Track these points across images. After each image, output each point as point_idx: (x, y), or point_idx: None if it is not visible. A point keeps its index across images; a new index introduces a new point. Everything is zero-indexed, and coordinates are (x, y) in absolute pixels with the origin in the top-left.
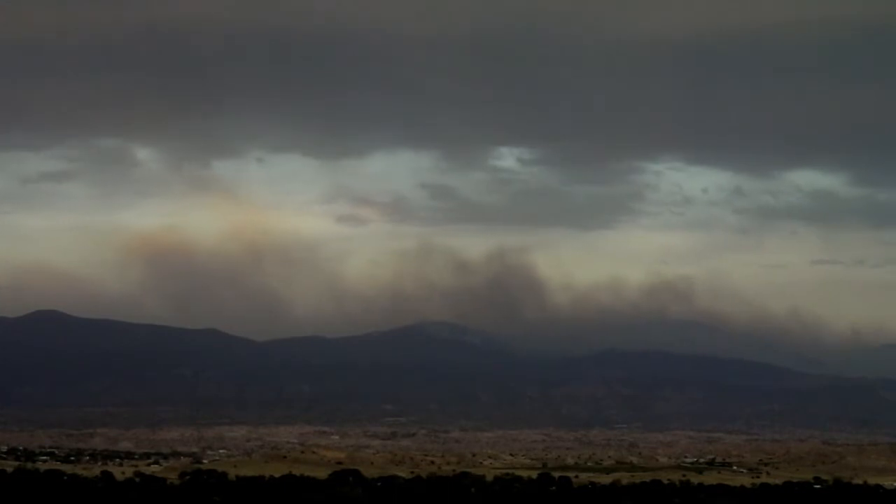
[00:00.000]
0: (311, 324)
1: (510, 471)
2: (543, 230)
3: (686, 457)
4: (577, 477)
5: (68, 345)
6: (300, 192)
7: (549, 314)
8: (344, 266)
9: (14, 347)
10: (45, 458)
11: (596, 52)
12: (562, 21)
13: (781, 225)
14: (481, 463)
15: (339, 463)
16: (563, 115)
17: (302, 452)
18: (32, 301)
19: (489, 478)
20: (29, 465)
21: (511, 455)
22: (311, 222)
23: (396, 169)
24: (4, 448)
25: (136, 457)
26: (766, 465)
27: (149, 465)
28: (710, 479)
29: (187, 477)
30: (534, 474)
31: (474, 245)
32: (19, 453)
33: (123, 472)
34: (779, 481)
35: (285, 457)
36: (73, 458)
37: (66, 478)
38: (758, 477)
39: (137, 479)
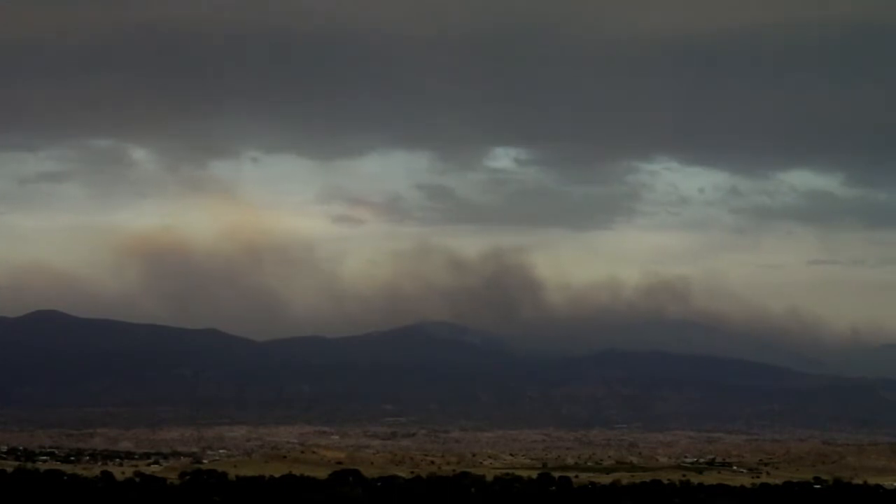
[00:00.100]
0: (310, 324)
1: (510, 471)
2: (540, 230)
3: (686, 457)
4: (577, 477)
5: (68, 345)
6: (296, 193)
7: (546, 314)
8: (342, 266)
9: (14, 347)
10: (45, 458)
11: (592, 53)
12: (558, 21)
13: (777, 225)
14: (481, 463)
15: (339, 463)
16: (559, 116)
17: (302, 452)
18: (32, 301)
19: (489, 478)
20: (29, 465)
21: (511, 455)
22: (307, 222)
23: (392, 169)
24: (4, 448)
25: (136, 457)
26: (766, 465)
27: (149, 465)
28: (710, 479)
29: (187, 477)
30: (534, 474)
31: (471, 245)
32: (19, 453)
33: (123, 472)
34: (779, 481)
35: (285, 457)
36: (73, 458)
37: (66, 478)
38: (758, 477)
39: (137, 479)
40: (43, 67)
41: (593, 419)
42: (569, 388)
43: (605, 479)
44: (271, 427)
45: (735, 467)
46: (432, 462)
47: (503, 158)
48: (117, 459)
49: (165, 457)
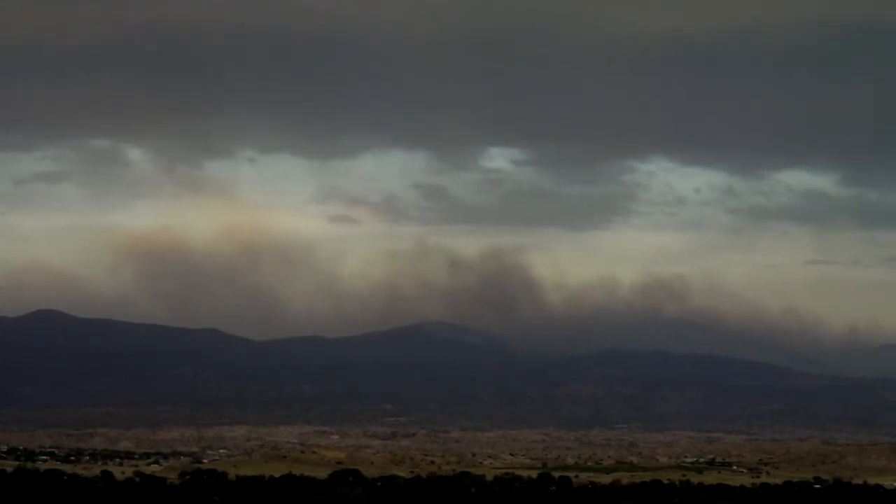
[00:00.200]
0: (310, 324)
1: (510, 471)
2: (536, 230)
3: (686, 457)
4: (577, 477)
5: (68, 345)
6: (292, 193)
7: (545, 313)
8: (341, 266)
9: (14, 347)
10: (45, 457)
11: (588, 53)
12: (555, 21)
13: (773, 225)
14: (481, 463)
15: (339, 463)
16: (555, 116)
17: (302, 452)
18: (32, 301)
19: (489, 478)
20: (29, 464)
21: (511, 455)
22: (304, 222)
23: (388, 169)
24: (4, 448)
25: (136, 457)
26: (766, 465)
27: (149, 464)
28: (710, 479)
29: (187, 477)
30: (534, 474)
31: (468, 245)
32: (19, 453)
33: (123, 472)
34: (779, 481)
35: (285, 457)
36: (73, 458)
37: (66, 478)
38: (758, 477)
39: (137, 479)
40: (40, 67)
41: (593, 419)
42: (569, 388)
43: (605, 479)
44: (271, 427)
45: (735, 467)
46: (432, 462)
47: (499, 158)
48: (117, 459)
49: (165, 457)
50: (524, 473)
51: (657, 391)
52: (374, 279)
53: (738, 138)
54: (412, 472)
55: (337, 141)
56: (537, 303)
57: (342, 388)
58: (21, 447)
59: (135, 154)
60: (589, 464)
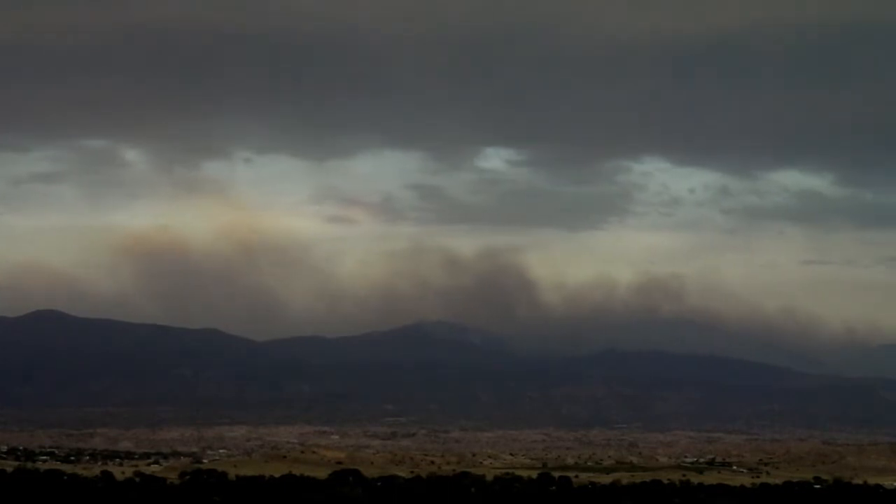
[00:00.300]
0: (310, 324)
1: (510, 471)
2: (532, 230)
3: (686, 457)
4: (577, 477)
5: (68, 345)
6: (289, 193)
7: (542, 313)
8: (339, 266)
9: (14, 347)
10: (45, 458)
11: (583, 54)
12: (549, 22)
13: (769, 225)
14: (481, 463)
15: (339, 463)
16: (550, 117)
17: (302, 452)
18: (32, 301)
19: (489, 478)
20: (29, 465)
21: (511, 455)
22: (302, 223)
23: (384, 170)
24: (4, 448)
25: (136, 457)
26: (766, 465)
27: (149, 464)
28: (710, 479)
29: (187, 477)
30: (534, 474)
31: (465, 245)
32: (19, 453)
33: (123, 472)
34: (779, 481)
35: (285, 457)
36: (73, 458)
37: (66, 478)
38: (758, 477)
39: (137, 479)
40: (36, 68)
41: (593, 419)
42: (569, 388)
43: (605, 479)
44: (271, 427)
45: (735, 467)
46: (432, 462)
47: (495, 159)
48: (117, 459)
49: (165, 457)
50: (524, 473)
51: (657, 391)
52: (372, 279)
53: (732, 138)
54: (412, 472)
55: (333, 141)
56: (535, 303)
57: (342, 388)
58: (21, 447)
59: (131, 155)
60: (589, 464)
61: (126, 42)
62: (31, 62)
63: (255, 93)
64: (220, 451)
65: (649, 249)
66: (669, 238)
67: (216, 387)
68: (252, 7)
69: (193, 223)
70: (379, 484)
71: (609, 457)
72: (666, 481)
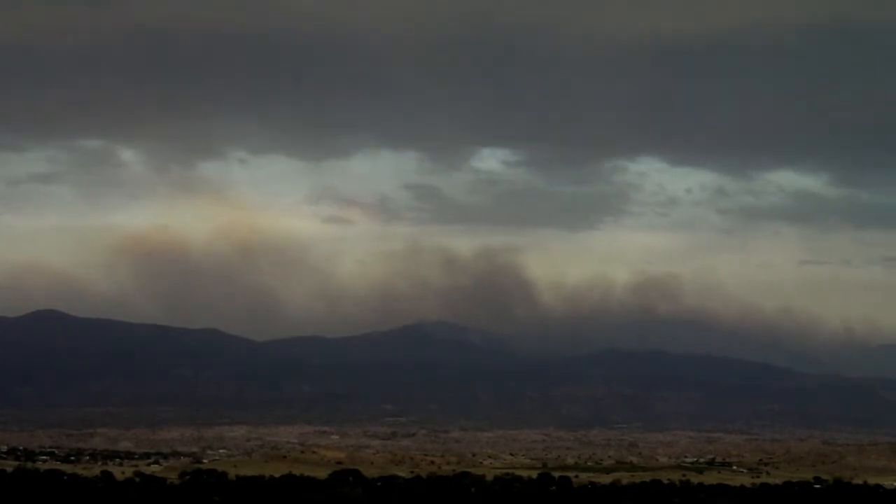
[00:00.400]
0: (310, 324)
1: (510, 471)
2: (529, 231)
3: (686, 457)
4: (577, 477)
5: (68, 345)
6: (286, 193)
7: (540, 313)
8: (338, 266)
9: (14, 347)
10: (45, 457)
11: (579, 54)
12: (546, 23)
13: (765, 225)
14: (481, 463)
15: (339, 463)
16: (546, 117)
17: (302, 452)
18: (32, 301)
19: (489, 478)
20: (29, 464)
21: (511, 455)
22: (299, 223)
23: (380, 170)
24: (4, 448)
25: (136, 457)
26: (766, 464)
27: (149, 464)
28: (710, 478)
29: (187, 477)
30: (534, 474)
31: (462, 245)
32: (19, 453)
33: (123, 472)
34: (779, 481)
35: (285, 457)
36: (73, 458)
37: (66, 478)
38: (758, 477)
39: (137, 479)
40: (32, 69)
41: (593, 419)
42: (569, 388)
43: (605, 479)
44: (271, 427)
45: (735, 467)
46: (432, 462)
47: (490, 159)
48: (117, 459)
49: (165, 457)
50: (524, 473)
51: (657, 391)
52: (371, 279)
53: (728, 139)
54: (412, 472)
55: (330, 142)
56: (533, 302)
57: (342, 388)
58: (21, 447)
59: (127, 155)
60: (589, 464)
61: (122, 43)
62: (28, 62)
63: (252, 93)
64: (220, 451)
65: (646, 249)
66: (666, 238)
67: (216, 387)
68: (248, 7)
69: (192, 223)
70: (379, 484)
71: (609, 457)
72: (666, 481)
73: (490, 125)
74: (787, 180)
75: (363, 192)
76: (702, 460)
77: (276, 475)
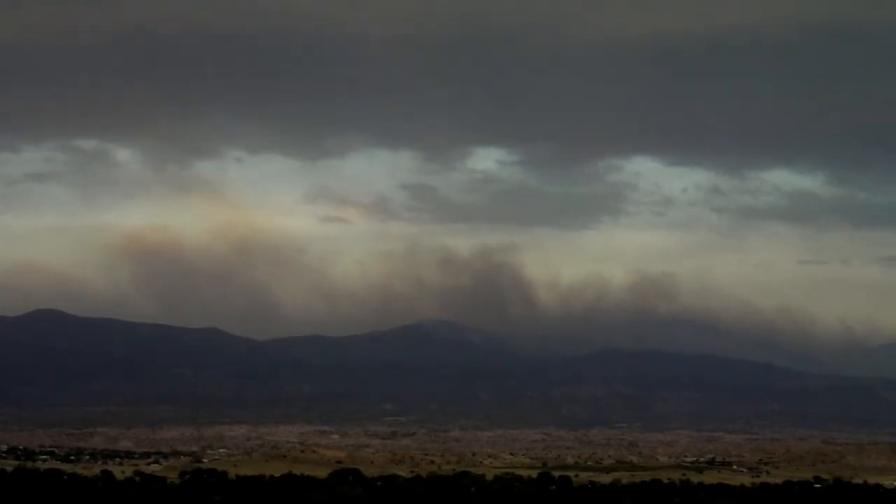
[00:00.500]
0: (310, 323)
1: (510, 470)
2: (525, 230)
3: (686, 456)
4: (577, 476)
5: (68, 344)
6: (282, 193)
7: (538, 313)
8: (337, 266)
9: (14, 347)
10: (45, 457)
11: (575, 54)
12: (541, 23)
13: (761, 224)
14: (481, 462)
15: (339, 462)
16: (541, 117)
17: (302, 452)
18: (32, 300)
19: (489, 477)
20: (29, 464)
21: (511, 454)
22: (296, 222)
23: (376, 169)
24: (4, 447)
25: (136, 456)
26: (766, 464)
27: (149, 464)
28: (710, 478)
29: (187, 476)
30: (534, 474)
31: (460, 245)
32: (19, 453)
33: (123, 472)
34: (779, 481)
35: (285, 456)
36: (73, 458)
37: (66, 477)
38: (758, 476)
39: (137, 479)
40: (29, 69)
41: (593, 419)
42: (569, 388)
43: (605, 479)
44: (271, 426)
45: (735, 467)
46: (432, 461)
47: (486, 160)
48: (117, 459)
49: (165, 456)
50: (524, 473)
51: (657, 391)
52: (370, 278)
53: (724, 138)
54: (412, 471)
55: (326, 141)
56: (531, 302)
57: (342, 388)
58: (21, 447)
59: (124, 154)
60: (589, 463)
61: (118, 43)
62: (24, 62)
63: (249, 92)
64: (220, 450)
65: (642, 249)
66: (662, 237)
67: (216, 386)
68: (245, 7)
69: (188, 223)
70: (379, 483)
71: (609, 456)
72: (666, 481)
73: (487, 125)
74: (783, 180)
75: (360, 192)
76: (702, 460)
77: (276, 475)
